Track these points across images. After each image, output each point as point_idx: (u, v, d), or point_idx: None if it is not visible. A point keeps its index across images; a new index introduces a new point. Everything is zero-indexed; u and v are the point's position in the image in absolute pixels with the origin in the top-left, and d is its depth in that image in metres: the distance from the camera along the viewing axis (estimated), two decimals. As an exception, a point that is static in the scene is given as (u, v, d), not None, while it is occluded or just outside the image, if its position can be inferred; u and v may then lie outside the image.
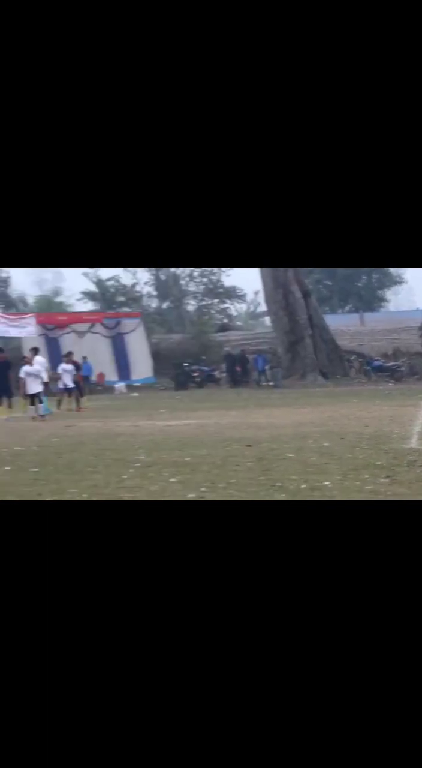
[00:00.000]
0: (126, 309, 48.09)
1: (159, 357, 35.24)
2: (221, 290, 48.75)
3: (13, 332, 33.41)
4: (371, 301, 47.95)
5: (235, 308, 51.68)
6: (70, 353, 25.71)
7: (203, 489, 7.66)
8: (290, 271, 30.12)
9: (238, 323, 50.49)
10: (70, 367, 24.01)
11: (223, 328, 43.74)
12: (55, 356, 31.18)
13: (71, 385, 23.64)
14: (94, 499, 7.29)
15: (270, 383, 26.86)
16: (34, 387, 20.00)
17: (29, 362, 21.03)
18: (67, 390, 23.78)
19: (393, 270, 50.50)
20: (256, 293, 45.51)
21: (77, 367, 25.51)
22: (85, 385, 27.84)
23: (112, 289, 52.82)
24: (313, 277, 39.79)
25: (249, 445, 11.21)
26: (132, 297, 50.57)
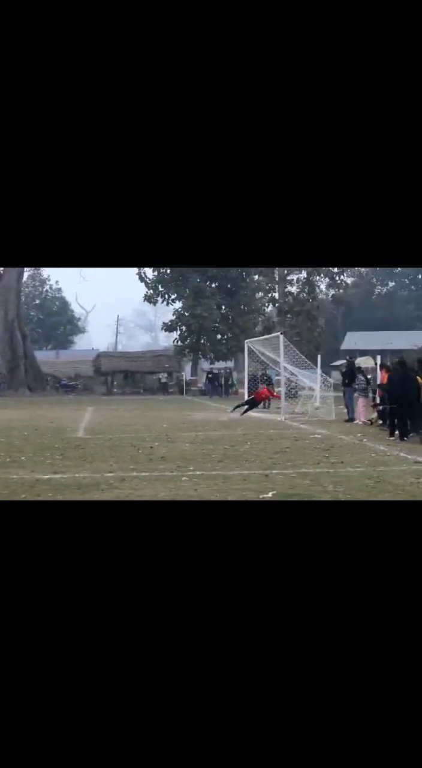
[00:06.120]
0: None
1: None
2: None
3: None
4: (64, 343, 75.39)
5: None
6: None
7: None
8: (15, 320, 45.57)
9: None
10: None
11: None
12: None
13: None
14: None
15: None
16: None
17: None
18: None
19: (79, 323, 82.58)
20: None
21: None
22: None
23: None
24: (30, 326, 61.37)
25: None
26: None
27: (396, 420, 14.98)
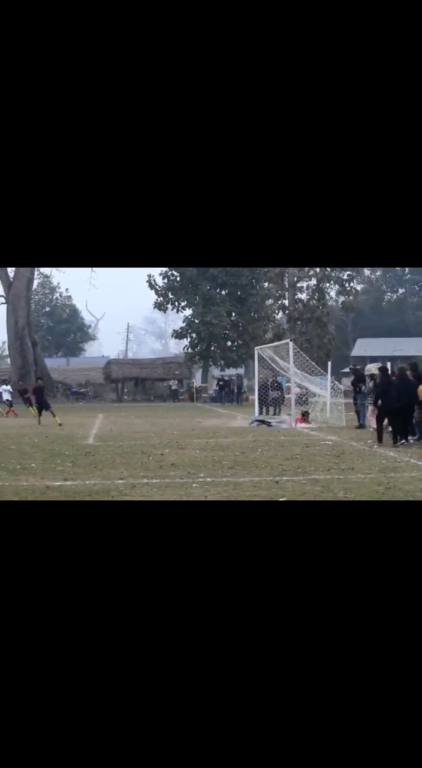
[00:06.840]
0: None
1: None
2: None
3: None
4: (74, 350, 75.07)
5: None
6: None
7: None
8: (25, 328, 46.82)
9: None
10: None
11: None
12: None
13: None
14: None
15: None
16: None
17: None
18: None
19: (89, 331, 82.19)
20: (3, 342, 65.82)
21: None
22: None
23: None
24: (40, 333, 63.90)
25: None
26: None
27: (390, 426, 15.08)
